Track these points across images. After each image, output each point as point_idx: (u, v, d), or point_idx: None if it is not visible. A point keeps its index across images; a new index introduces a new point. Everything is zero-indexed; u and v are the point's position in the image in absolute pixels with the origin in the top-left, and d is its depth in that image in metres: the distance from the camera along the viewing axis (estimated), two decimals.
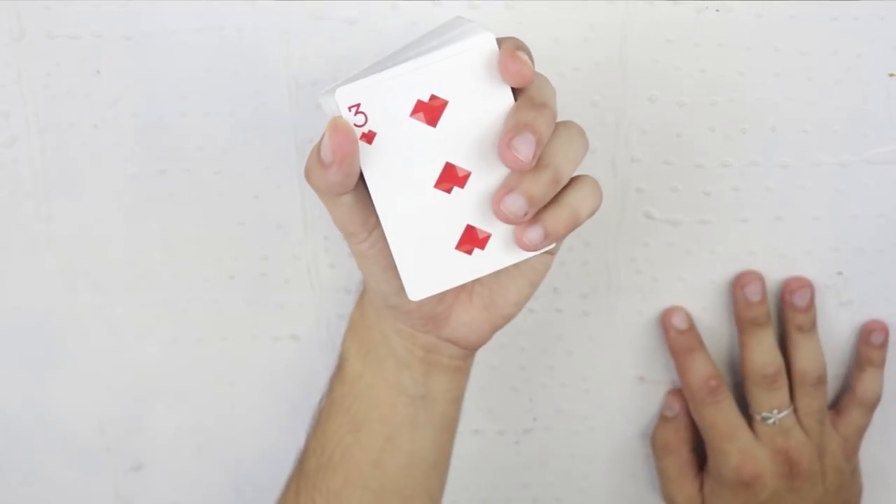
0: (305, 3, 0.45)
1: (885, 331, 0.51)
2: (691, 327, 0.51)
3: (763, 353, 0.50)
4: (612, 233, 0.50)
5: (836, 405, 0.53)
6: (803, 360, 0.50)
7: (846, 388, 0.53)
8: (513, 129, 0.35)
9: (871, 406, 0.52)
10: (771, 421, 0.50)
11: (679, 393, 0.53)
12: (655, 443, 0.54)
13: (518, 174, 0.36)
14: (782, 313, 0.51)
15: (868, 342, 0.51)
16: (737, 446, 0.50)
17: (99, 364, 0.54)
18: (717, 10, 0.45)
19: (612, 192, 0.49)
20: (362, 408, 0.44)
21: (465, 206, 0.37)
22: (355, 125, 0.35)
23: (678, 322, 0.51)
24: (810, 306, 0.50)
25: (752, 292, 0.50)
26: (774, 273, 0.50)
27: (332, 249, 0.51)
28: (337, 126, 0.34)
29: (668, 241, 0.50)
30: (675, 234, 0.50)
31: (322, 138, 0.35)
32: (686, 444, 0.53)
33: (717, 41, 0.46)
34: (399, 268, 0.38)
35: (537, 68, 0.47)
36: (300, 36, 0.46)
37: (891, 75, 0.46)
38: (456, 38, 0.35)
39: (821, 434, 0.51)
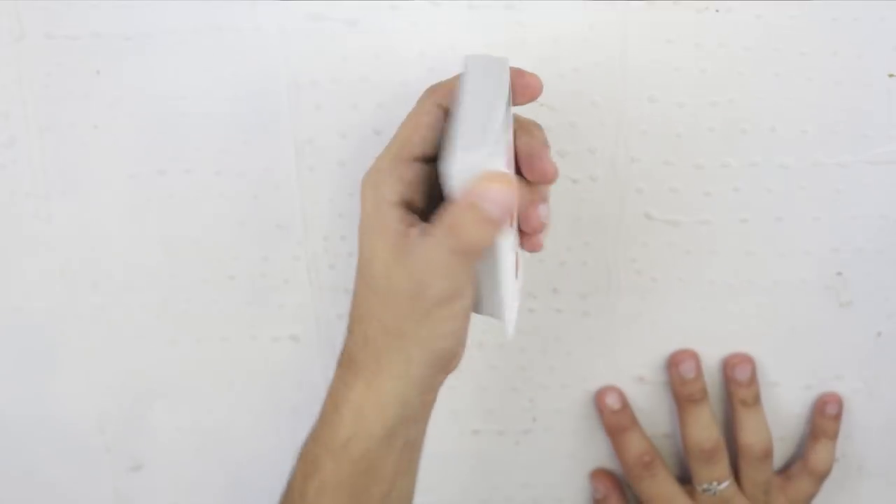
0: (305, 3, 0.45)
1: (838, 403, 0.52)
2: (625, 406, 0.53)
3: (701, 428, 0.51)
4: (612, 233, 0.50)
5: (786, 470, 0.54)
6: (748, 434, 0.52)
7: (798, 455, 0.54)
8: (545, 147, 0.40)
9: (821, 476, 0.53)
10: (711, 492, 0.51)
11: (601, 474, 0.55)
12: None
13: (545, 186, 0.41)
14: (726, 388, 0.52)
15: (823, 413, 0.52)
16: None
17: (99, 364, 0.54)
18: (717, 11, 0.45)
19: (612, 193, 0.49)
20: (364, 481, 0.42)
21: (512, 234, 0.39)
22: None
23: (612, 402, 0.53)
24: (752, 381, 0.52)
25: (687, 370, 0.51)
26: (774, 273, 0.51)
27: (331, 249, 0.51)
28: (507, 183, 0.34)
29: (668, 242, 0.50)
30: (674, 234, 0.50)
31: (478, 195, 0.34)
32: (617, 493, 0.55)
33: (717, 41, 0.46)
34: (506, 306, 0.39)
35: (537, 68, 0.47)
36: (300, 36, 0.46)
37: (891, 76, 0.46)
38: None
39: (766, 503, 0.52)
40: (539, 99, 0.47)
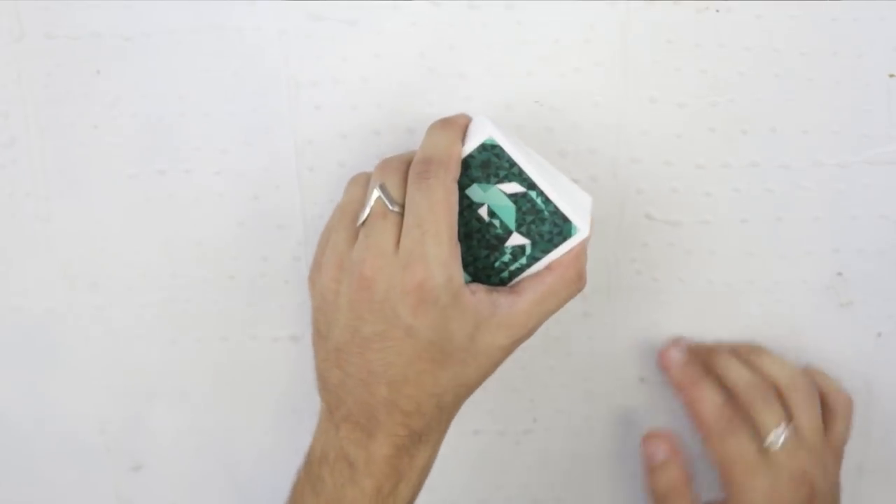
0: (305, 3, 0.45)
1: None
2: (691, 357, 0.50)
3: (737, 379, 0.49)
4: (612, 233, 0.50)
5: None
6: (771, 373, 0.50)
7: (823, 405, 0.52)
8: None
9: (849, 413, 0.51)
10: (780, 442, 0.48)
11: (657, 437, 0.52)
12: (656, 493, 0.51)
13: None
14: (713, 371, 0.50)
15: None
16: (762, 482, 0.47)
17: (99, 364, 0.54)
18: (718, 11, 0.45)
19: (613, 193, 0.49)
20: None
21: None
22: None
23: (677, 355, 0.50)
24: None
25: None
26: (774, 273, 0.51)
27: None
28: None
29: (668, 242, 0.50)
30: (674, 234, 0.50)
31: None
32: (688, 485, 0.51)
33: (717, 41, 0.46)
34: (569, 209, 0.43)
35: (538, 68, 0.47)
36: (300, 36, 0.46)
37: (891, 76, 0.46)
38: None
39: (822, 450, 0.49)
40: (539, 99, 0.47)
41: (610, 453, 0.55)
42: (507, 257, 0.43)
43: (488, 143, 0.42)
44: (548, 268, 0.43)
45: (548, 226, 0.42)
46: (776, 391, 0.49)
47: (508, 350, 0.43)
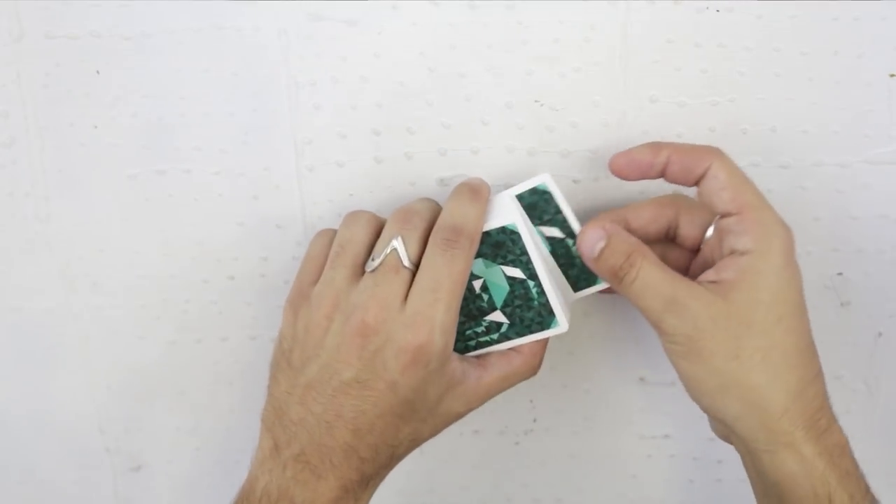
0: (305, 3, 0.45)
1: None
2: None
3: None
4: None
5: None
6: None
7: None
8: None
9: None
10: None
11: (590, 228, 0.43)
12: (617, 271, 0.43)
13: None
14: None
15: None
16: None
17: (99, 364, 0.54)
18: (718, 11, 0.45)
19: (614, 193, 0.49)
20: None
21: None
22: None
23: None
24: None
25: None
26: None
27: None
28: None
29: None
30: None
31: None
32: (640, 244, 0.42)
33: (717, 41, 0.46)
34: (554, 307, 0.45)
35: (538, 68, 0.47)
36: (300, 36, 0.46)
37: (891, 76, 0.46)
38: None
39: None
40: (539, 99, 0.47)
41: (610, 453, 0.55)
42: (480, 329, 0.45)
43: (509, 227, 0.43)
44: (516, 350, 0.45)
45: (532, 314, 0.44)
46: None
47: (461, 416, 0.45)
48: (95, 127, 0.48)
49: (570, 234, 0.45)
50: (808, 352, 0.42)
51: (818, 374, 0.42)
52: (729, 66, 0.46)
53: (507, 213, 0.44)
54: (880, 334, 0.52)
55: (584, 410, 0.54)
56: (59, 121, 0.48)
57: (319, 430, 0.42)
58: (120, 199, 0.50)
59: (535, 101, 0.47)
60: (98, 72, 0.47)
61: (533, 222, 0.45)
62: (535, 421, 0.55)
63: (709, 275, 0.41)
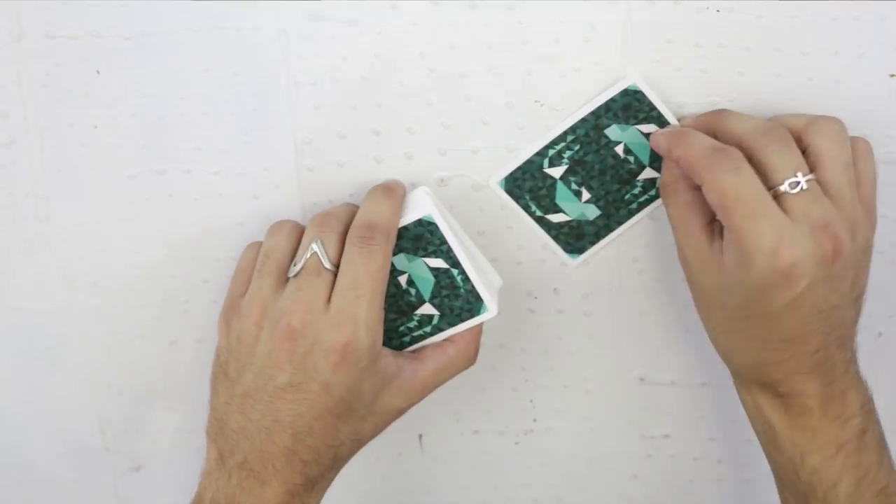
0: (305, 3, 0.45)
1: None
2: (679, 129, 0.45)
3: (744, 127, 0.42)
4: (614, 233, 0.50)
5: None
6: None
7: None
8: None
9: (871, 154, 0.44)
10: (800, 186, 0.40)
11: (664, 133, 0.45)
12: (661, 189, 0.46)
13: None
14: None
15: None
16: (770, 223, 0.39)
17: (99, 364, 0.54)
18: (718, 11, 0.45)
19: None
20: None
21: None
22: None
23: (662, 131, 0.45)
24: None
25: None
26: None
27: None
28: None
29: (670, 242, 0.50)
30: None
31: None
32: (684, 180, 0.44)
33: (717, 41, 0.46)
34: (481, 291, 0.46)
35: (538, 68, 0.47)
36: (300, 36, 0.46)
37: (891, 76, 0.46)
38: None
39: (853, 208, 0.41)
40: (540, 99, 0.47)
41: (610, 453, 0.55)
42: (413, 324, 0.46)
43: (425, 219, 0.44)
44: (450, 340, 0.46)
45: (461, 302, 0.45)
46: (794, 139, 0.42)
47: (403, 411, 0.45)
48: (95, 127, 0.48)
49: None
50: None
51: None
52: (729, 66, 0.46)
53: (422, 205, 0.44)
54: (880, 334, 0.52)
55: (584, 410, 0.54)
56: (59, 121, 0.48)
57: (260, 436, 0.43)
58: (120, 199, 0.50)
59: (535, 101, 0.47)
60: (98, 72, 0.47)
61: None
62: (535, 421, 0.55)
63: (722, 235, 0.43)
